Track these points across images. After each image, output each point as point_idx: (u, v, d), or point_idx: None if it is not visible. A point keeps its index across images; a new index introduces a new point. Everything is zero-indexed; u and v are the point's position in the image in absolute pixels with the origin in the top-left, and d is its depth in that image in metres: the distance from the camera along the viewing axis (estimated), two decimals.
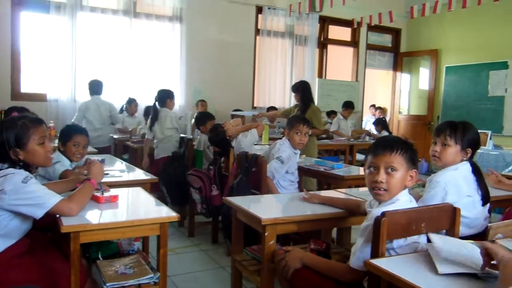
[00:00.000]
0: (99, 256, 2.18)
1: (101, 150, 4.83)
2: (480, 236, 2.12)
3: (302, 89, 4.87)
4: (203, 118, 4.55)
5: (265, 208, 2.42)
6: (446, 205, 1.85)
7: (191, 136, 4.77)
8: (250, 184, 3.22)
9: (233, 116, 5.85)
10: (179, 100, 6.82)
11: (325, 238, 2.79)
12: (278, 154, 3.27)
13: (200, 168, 4.21)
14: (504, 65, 7.27)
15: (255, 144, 4.24)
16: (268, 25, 7.47)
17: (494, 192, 2.53)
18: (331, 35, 8.48)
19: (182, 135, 4.82)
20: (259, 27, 7.49)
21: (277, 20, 7.58)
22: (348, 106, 7.17)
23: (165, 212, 2.09)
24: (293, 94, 5.07)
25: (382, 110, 9.42)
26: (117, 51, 6.41)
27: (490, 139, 5.87)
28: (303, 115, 4.62)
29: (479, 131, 2.36)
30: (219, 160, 3.84)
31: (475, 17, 7.53)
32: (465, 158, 2.24)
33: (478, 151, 2.41)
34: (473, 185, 2.24)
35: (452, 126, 2.24)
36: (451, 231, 1.82)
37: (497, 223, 1.92)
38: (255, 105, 7.46)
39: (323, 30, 8.32)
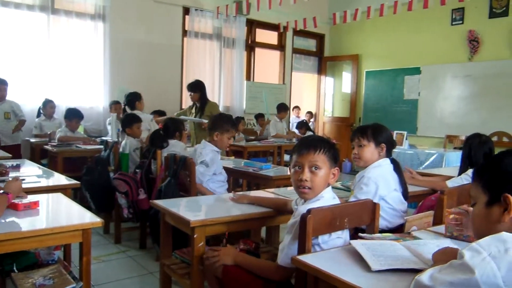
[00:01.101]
0: (14, 268, 2.02)
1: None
2: (399, 229, 2.27)
3: (200, 88, 5.03)
4: (130, 120, 4.41)
5: (194, 210, 2.39)
6: (368, 201, 1.96)
7: (116, 139, 4.60)
8: (179, 186, 3.17)
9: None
10: (102, 102, 6.55)
11: (254, 237, 2.83)
12: (201, 158, 3.21)
13: (126, 172, 4.07)
14: (417, 71, 7.85)
15: None
16: (195, 27, 7.40)
17: (409, 188, 2.72)
18: (258, 39, 8.61)
19: (104, 138, 4.63)
20: (186, 29, 7.40)
21: (205, 22, 7.55)
22: (284, 108, 7.36)
23: (88, 218, 1.99)
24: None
25: (312, 114, 9.75)
26: (33, 50, 5.99)
27: (406, 139, 6.27)
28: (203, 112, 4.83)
29: (396, 132, 2.56)
30: (146, 162, 3.73)
31: (391, 25, 8.06)
32: (381, 153, 2.43)
33: (395, 150, 2.60)
34: (397, 181, 2.43)
35: (362, 128, 2.49)
36: (372, 225, 1.93)
37: (412, 216, 2.07)
38: (183, 107, 7.35)
39: (250, 33, 8.42)
